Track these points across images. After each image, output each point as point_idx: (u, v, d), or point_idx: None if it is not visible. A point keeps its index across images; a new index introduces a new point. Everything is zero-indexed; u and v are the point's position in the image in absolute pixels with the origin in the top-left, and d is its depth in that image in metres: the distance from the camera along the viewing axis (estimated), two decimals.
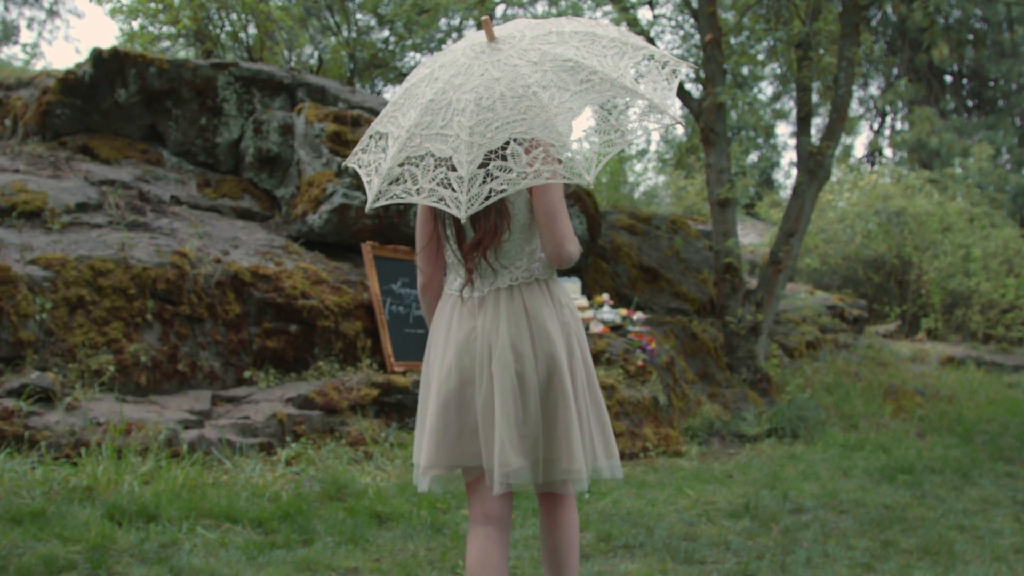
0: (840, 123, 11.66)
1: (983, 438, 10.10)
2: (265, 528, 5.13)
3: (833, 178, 23.09)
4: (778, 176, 32.72)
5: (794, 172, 12.01)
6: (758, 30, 12.98)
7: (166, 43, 12.85)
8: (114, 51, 9.42)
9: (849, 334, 15.91)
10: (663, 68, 3.03)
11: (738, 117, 19.71)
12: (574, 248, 3.08)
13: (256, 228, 9.15)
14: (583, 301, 9.98)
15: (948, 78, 29.42)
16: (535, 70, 2.87)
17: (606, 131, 3.05)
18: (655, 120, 3.02)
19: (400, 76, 13.51)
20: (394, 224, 9.05)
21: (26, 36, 29.48)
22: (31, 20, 28.09)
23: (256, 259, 8.19)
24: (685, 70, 3.10)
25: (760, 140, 31.46)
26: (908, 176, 20.93)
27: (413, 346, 8.40)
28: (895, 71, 26.49)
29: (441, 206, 2.91)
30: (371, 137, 3.18)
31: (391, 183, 3.07)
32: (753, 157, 31.91)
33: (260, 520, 5.18)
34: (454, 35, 14.83)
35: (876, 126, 30.54)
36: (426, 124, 2.92)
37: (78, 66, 9.55)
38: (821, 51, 12.16)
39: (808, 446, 9.35)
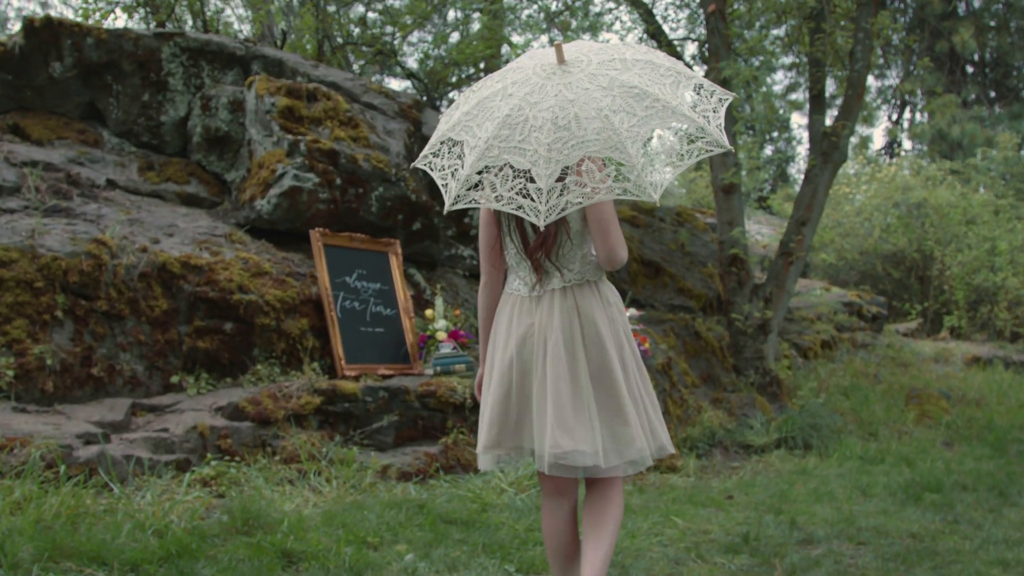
0: (857, 101, 10.62)
1: (1017, 447, 9.06)
2: (140, 572, 4.12)
3: (850, 171, 22.13)
4: (793, 171, 31.69)
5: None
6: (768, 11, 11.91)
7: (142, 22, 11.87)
8: (47, 20, 8.45)
9: (867, 333, 15.01)
10: (711, 96, 3.30)
11: (751, 108, 18.79)
12: (624, 253, 3.35)
13: (201, 215, 8.16)
14: None
15: (969, 69, 28.24)
16: (605, 95, 3.12)
17: (668, 154, 3.36)
18: (708, 145, 3.22)
19: (379, 54, 12.48)
20: (353, 210, 8.04)
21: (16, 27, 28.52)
22: (20, 11, 27.19)
23: (190, 248, 7.20)
24: (730, 99, 3.33)
25: (775, 133, 30.47)
26: (929, 167, 19.89)
27: (370, 347, 7.40)
28: (914, 58, 25.31)
29: (520, 213, 3.15)
30: (443, 143, 3.39)
31: (469, 189, 3.27)
32: (767, 151, 30.95)
33: (136, 562, 4.17)
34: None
35: (895, 116, 29.38)
36: (504, 137, 3.14)
37: (9, 37, 8.59)
38: (839, 39, 11.14)
39: (822, 458, 8.32)
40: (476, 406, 6.93)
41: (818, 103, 10.91)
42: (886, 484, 7.06)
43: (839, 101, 19.98)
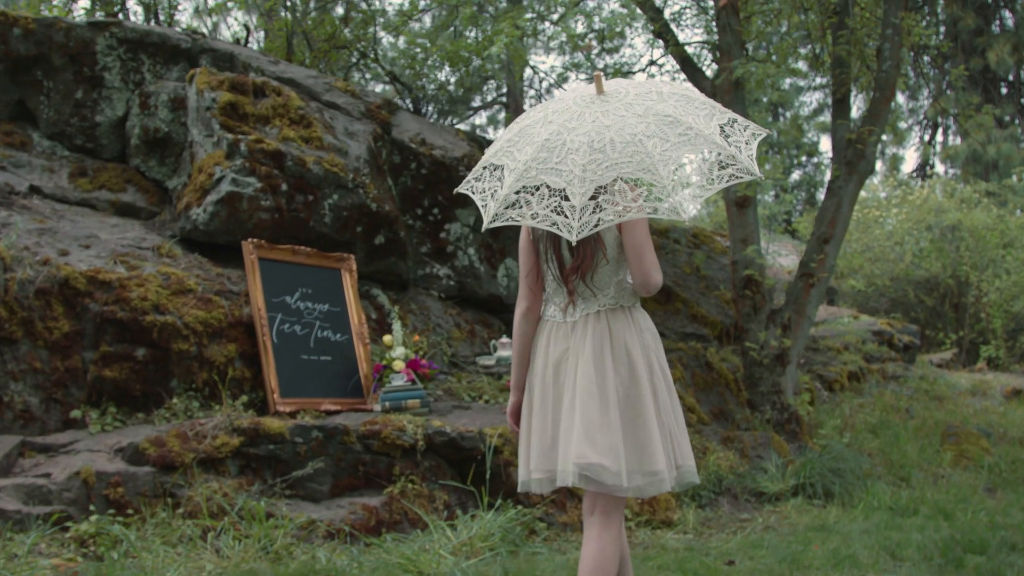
0: (885, 104, 9.51)
1: None
2: None
3: (881, 194, 20.98)
4: (822, 197, 30.53)
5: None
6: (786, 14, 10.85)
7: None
8: None
9: (899, 364, 13.96)
10: (745, 130, 3.41)
11: (778, 133, 17.96)
12: (659, 277, 3.45)
13: (133, 226, 7.17)
14: None
15: (1003, 89, 27.07)
16: (640, 121, 3.26)
17: (699, 178, 3.56)
18: (738, 172, 3.32)
19: (362, 57, 11.46)
20: (301, 220, 7.01)
21: None
22: None
23: (103, 262, 6.19)
24: (763, 134, 3.43)
25: (803, 157, 29.46)
26: (963, 189, 18.85)
27: (313, 378, 6.36)
28: (946, 77, 24.18)
29: (554, 230, 3.26)
30: (485, 168, 3.53)
31: (507, 207, 3.39)
32: (795, 176, 29.89)
33: None
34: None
35: (927, 138, 28.19)
36: (542, 159, 3.28)
37: None
38: (867, 44, 10.09)
39: (845, 509, 7.19)
40: (429, 449, 5.88)
41: (842, 108, 9.81)
42: (920, 543, 5.92)
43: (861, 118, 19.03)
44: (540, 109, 3.52)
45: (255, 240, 6.52)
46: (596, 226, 3.17)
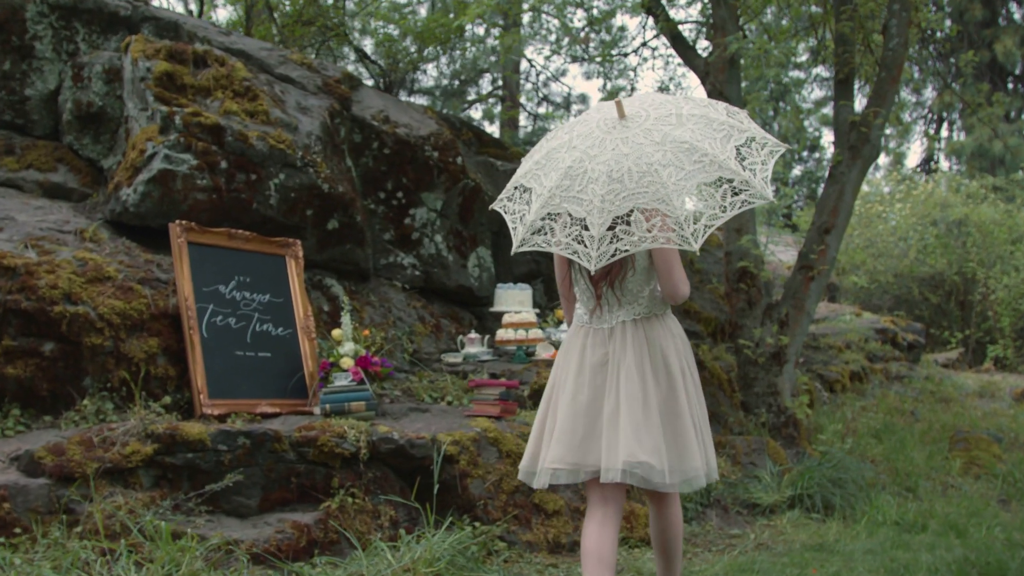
0: (892, 85, 8.82)
1: None
2: None
3: (884, 188, 20.34)
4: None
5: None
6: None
7: None
8: None
9: (903, 363, 13.45)
10: (762, 149, 3.55)
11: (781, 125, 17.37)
12: (686, 289, 3.67)
13: (60, 208, 6.48)
14: (531, 316, 7.23)
15: (1010, 84, 26.42)
16: (657, 150, 3.42)
17: (712, 206, 3.49)
18: (751, 198, 3.46)
19: (330, 31, 10.73)
20: (243, 201, 6.32)
21: None
22: None
23: (12, 246, 5.51)
24: (782, 150, 3.56)
25: (804, 152, 28.84)
26: (970, 184, 18.28)
27: (249, 377, 5.67)
28: (952, 70, 23.52)
29: (575, 258, 3.50)
30: (516, 188, 3.76)
31: (533, 233, 3.64)
32: (796, 171, 29.28)
33: None
34: None
35: (932, 131, 27.57)
36: (565, 187, 3.49)
37: None
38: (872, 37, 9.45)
39: (846, 524, 6.52)
40: (373, 458, 5.20)
41: (845, 89, 9.11)
42: (931, 566, 5.24)
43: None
44: (566, 130, 3.69)
45: (184, 222, 5.80)
46: (613, 256, 3.38)
